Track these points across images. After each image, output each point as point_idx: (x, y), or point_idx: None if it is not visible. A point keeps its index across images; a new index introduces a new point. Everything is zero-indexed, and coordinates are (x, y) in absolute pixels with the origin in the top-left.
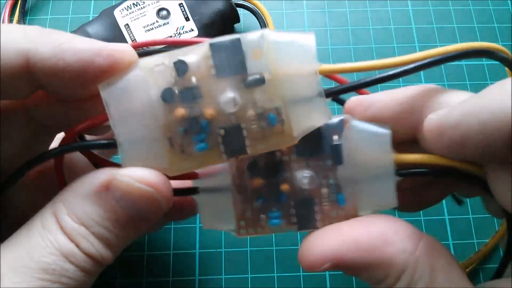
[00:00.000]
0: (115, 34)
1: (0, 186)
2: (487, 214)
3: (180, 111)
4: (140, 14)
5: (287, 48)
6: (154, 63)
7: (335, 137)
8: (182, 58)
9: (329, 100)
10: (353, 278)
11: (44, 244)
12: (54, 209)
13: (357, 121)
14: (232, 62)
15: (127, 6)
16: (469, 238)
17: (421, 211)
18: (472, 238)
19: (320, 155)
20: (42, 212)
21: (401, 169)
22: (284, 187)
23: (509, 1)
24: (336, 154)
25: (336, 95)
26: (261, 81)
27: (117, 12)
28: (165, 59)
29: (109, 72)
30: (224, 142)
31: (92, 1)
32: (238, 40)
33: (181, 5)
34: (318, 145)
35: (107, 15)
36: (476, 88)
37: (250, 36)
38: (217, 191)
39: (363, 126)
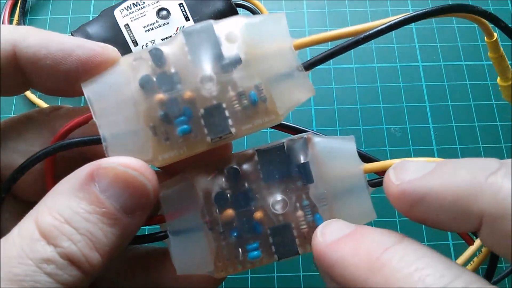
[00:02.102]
0: (115, 34)
1: None
2: None
3: (159, 96)
4: (140, 14)
5: (259, 28)
6: (133, 58)
7: (301, 157)
8: (157, 47)
9: (309, 73)
10: None
11: (16, 253)
12: (35, 212)
13: (320, 137)
14: (207, 47)
15: (127, 6)
16: None
17: None
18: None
19: (289, 177)
20: (23, 219)
21: (373, 179)
22: (258, 215)
23: (509, 1)
24: (305, 173)
25: (315, 66)
26: (237, 61)
27: (117, 12)
28: (143, 53)
29: (90, 66)
30: (206, 122)
31: (92, 1)
32: (211, 25)
33: (181, 5)
34: (286, 168)
35: (107, 15)
36: (477, 88)
37: (222, 22)
38: (188, 232)
39: (327, 142)
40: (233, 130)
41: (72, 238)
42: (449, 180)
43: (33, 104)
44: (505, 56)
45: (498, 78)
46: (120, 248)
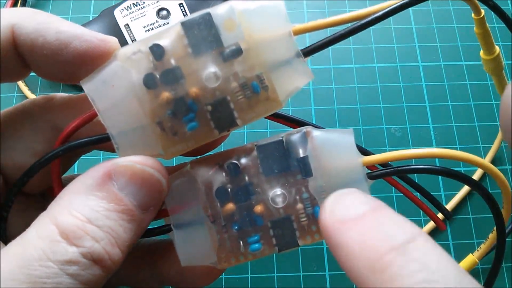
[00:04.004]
0: (115, 34)
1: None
2: (487, 214)
3: (165, 95)
4: (140, 14)
5: (258, 14)
6: (131, 51)
7: (300, 150)
8: (157, 42)
9: (308, 59)
10: None
11: (36, 255)
12: (52, 213)
13: (319, 131)
14: (207, 38)
15: (127, 6)
16: (469, 238)
17: (421, 213)
18: (472, 238)
19: (289, 171)
20: (38, 219)
21: (372, 171)
22: (258, 208)
23: (509, 1)
24: (304, 166)
25: (313, 53)
26: (238, 52)
27: (117, 12)
28: (141, 46)
29: (88, 59)
30: (213, 117)
31: (92, 1)
32: (209, 14)
33: (181, 5)
34: (285, 161)
35: (107, 15)
36: (477, 88)
37: (220, 9)
38: (191, 225)
39: (326, 135)
40: (238, 121)
41: (95, 237)
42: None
43: None
44: (490, 31)
45: (481, 51)
46: (135, 243)
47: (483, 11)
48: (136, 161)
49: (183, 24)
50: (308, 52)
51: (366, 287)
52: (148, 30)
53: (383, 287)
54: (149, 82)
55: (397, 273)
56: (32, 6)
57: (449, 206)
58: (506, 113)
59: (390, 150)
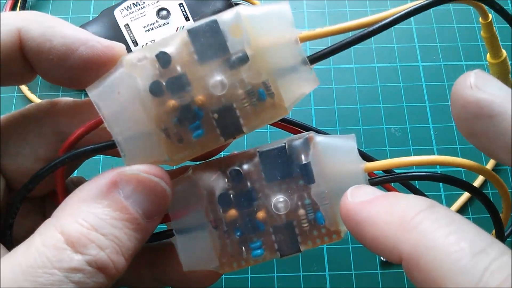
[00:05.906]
0: (115, 34)
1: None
2: (486, 214)
3: (171, 102)
4: (140, 14)
5: (264, 20)
6: (137, 58)
7: (303, 157)
8: (163, 49)
9: (314, 66)
10: (353, 278)
11: (41, 262)
12: (57, 220)
13: (322, 136)
14: (213, 45)
15: (127, 6)
16: None
17: None
18: None
19: (291, 177)
20: (42, 226)
21: (373, 178)
22: (260, 215)
23: (509, 1)
24: (307, 173)
25: (320, 60)
26: (244, 59)
27: (117, 12)
28: (147, 53)
29: (94, 65)
30: (219, 125)
31: (92, 1)
32: (215, 21)
33: (181, 5)
34: (287, 168)
35: (107, 15)
36: None
37: (226, 15)
38: (193, 230)
39: (328, 141)
40: (244, 129)
41: (100, 245)
42: (381, 215)
43: None
44: (497, 35)
45: (488, 55)
46: (138, 251)
47: (490, 16)
48: (142, 170)
49: (190, 31)
50: (314, 59)
51: (397, 249)
52: (148, 30)
53: (418, 242)
54: (155, 89)
55: (431, 228)
56: (32, 6)
57: (452, 209)
58: (457, 102)
59: (390, 150)
